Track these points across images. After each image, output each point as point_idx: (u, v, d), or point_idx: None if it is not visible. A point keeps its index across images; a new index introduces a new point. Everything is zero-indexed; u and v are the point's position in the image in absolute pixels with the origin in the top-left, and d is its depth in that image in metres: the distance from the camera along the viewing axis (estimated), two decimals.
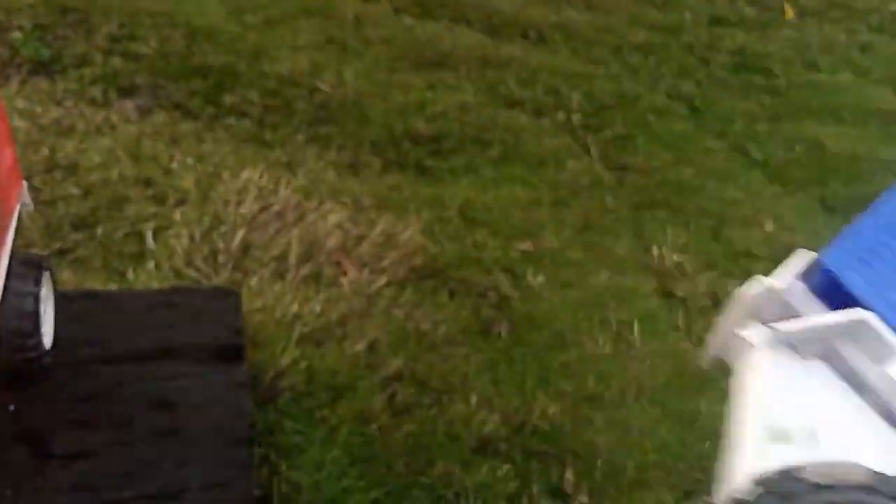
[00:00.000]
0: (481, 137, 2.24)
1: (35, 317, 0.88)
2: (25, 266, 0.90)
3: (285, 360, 1.25)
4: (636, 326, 1.68)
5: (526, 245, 1.87)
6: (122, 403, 0.96)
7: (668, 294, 1.85)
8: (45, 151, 1.72)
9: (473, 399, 1.43)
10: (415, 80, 2.47)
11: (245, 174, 1.76)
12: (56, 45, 2.12)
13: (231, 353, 1.06)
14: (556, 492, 1.33)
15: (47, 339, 0.94)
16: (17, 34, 2.09)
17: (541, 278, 1.76)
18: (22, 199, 0.95)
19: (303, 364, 1.27)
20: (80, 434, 0.92)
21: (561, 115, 2.47)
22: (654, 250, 1.96)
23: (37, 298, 0.89)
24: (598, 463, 1.38)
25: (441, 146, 2.18)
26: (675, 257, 1.94)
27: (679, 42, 3.27)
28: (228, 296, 1.14)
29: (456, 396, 1.43)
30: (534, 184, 2.10)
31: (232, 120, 2.05)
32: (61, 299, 1.02)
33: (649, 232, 2.04)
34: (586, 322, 1.68)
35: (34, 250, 1.52)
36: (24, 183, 0.96)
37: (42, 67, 2.04)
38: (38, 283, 0.90)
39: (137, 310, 1.07)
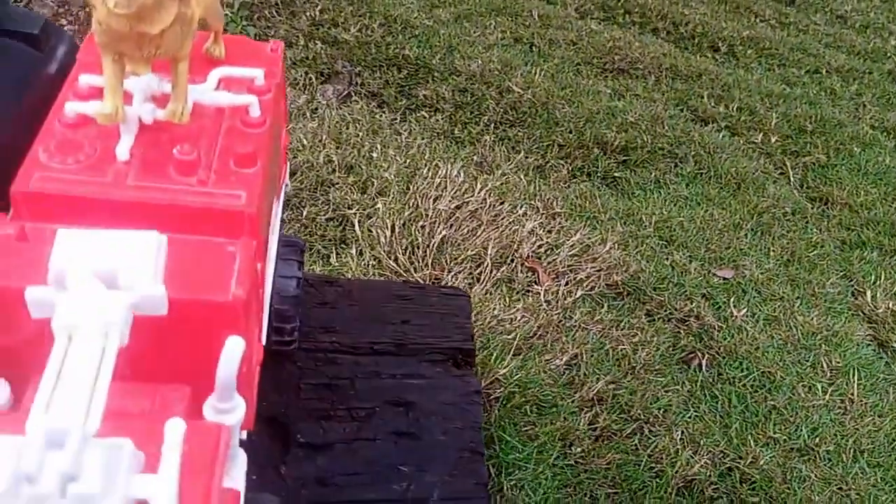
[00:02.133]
0: (674, 152, 2.12)
1: (296, 301, 0.86)
2: (288, 248, 0.88)
3: (500, 370, 1.20)
4: (854, 377, 1.52)
5: (726, 272, 1.74)
6: (362, 397, 0.93)
7: (883, 344, 1.67)
8: None
9: (677, 434, 1.33)
10: (602, 86, 2.37)
11: (442, 170, 1.73)
12: (261, 25, 2.17)
13: (463, 358, 1.01)
14: None
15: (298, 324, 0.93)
16: (224, 11, 2.16)
17: (744, 310, 1.63)
18: (286, 179, 0.93)
19: (516, 375, 1.22)
20: (322, 425, 0.90)
21: (757, 136, 2.31)
22: (868, 294, 1.77)
23: (299, 282, 0.87)
24: None
25: (630, 157, 2.07)
26: (890, 304, 1.75)
27: (881, 69, 3.00)
28: (460, 297, 1.09)
29: (658, 429, 1.33)
30: (732, 207, 1.96)
31: (424, 114, 2.03)
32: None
33: (860, 273, 1.85)
34: (796, 365, 1.54)
35: None
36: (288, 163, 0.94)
37: None
38: (300, 266, 0.88)
39: (373, 301, 1.04)
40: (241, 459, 0.63)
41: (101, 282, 0.54)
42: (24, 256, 0.58)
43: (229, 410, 0.60)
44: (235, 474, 0.62)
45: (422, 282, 1.40)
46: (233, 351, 0.56)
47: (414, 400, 0.94)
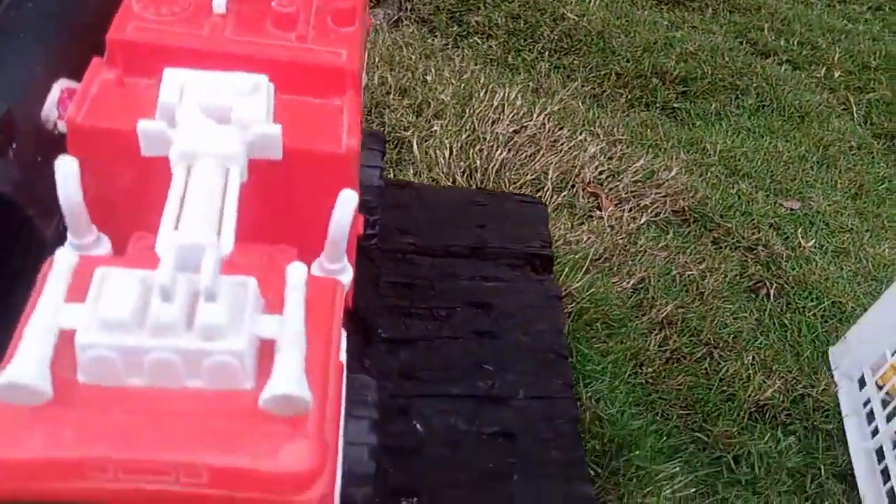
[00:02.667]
0: (735, 84, 2.04)
1: (380, 192, 0.83)
2: (370, 137, 0.84)
3: (574, 284, 1.16)
4: None
5: (793, 203, 1.67)
6: (440, 297, 0.90)
7: None
8: None
9: (748, 359, 1.29)
10: (658, 17, 2.28)
11: (500, 94, 1.67)
12: None
13: (541, 264, 0.97)
14: (845, 476, 1.18)
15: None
16: None
17: (812, 241, 1.57)
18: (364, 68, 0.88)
19: (588, 291, 1.18)
20: (403, 321, 0.87)
21: (820, 71, 2.21)
22: None
23: (382, 172, 0.83)
24: None
25: (690, 88, 2.00)
26: None
27: None
28: (536, 205, 1.05)
29: (729, 354, 1.29)
30: (796, 139, 1.89)
31: (477, 40, 1.96)
32: None
33: None
34: (868, 297, 1.48)
35: None
36: None
37: None
38: (383, 156, 0.84)
39: (448, 205, 1.00)
40: (343, 335, 0.60)
41: (213, 119, 0.50)
42: (128, 100, 0.55)
43: (339, 272, 0.57)
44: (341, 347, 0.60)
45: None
46: (347, 203, 0.52)
47: (493, 302, 0.91)
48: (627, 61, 2.01)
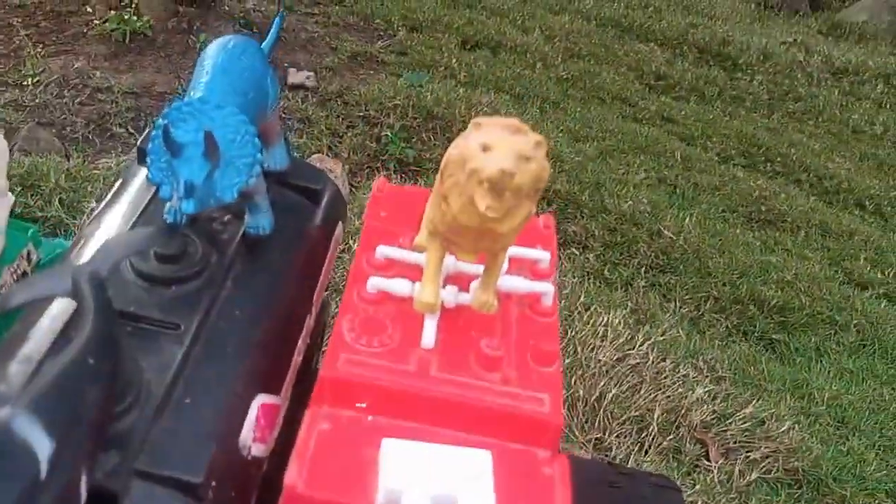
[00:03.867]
0: (833, 318, 2.00)
1: None
2: None
3: None
4: None
5: None
6: None
7: None
8: None
9: None
10: (750, 237, 2.29)
11: (602, 317, 1.66)
12: (417, 147, 2.21)
13: None
14: None
15: None
16: (386, 132, 2.21)
17: None
18: None
19: None
20: None
21: None
22: None
23: None
24: None
25: (788, 319, 1.96)
26: None
27: None
28: (671, 490, 0.99)
29: None
30: None
31: (574, 250, 1.99)
32: None
33: None
34: None
35: None
36: None
37: (405, 166, 2.14)
38: None
39: (579, 483, 0.95)
40: None
41: None
42: (347, 460, 0.53)
43: None
44: None
45: (608, 457, 1.31)
46: None
47: None
48: (724, 284, 2.00)
